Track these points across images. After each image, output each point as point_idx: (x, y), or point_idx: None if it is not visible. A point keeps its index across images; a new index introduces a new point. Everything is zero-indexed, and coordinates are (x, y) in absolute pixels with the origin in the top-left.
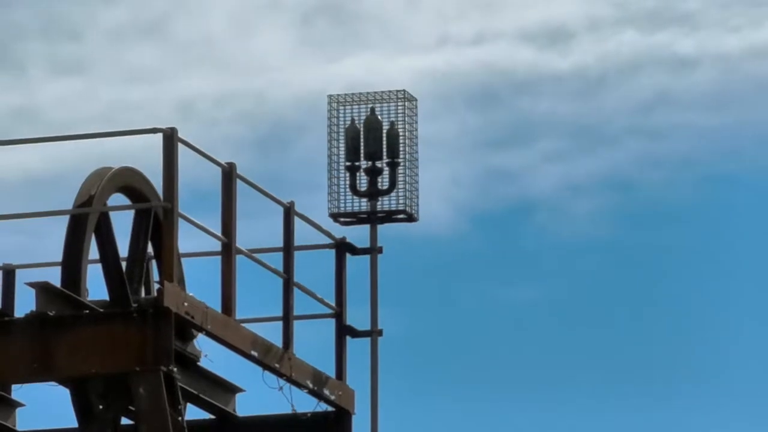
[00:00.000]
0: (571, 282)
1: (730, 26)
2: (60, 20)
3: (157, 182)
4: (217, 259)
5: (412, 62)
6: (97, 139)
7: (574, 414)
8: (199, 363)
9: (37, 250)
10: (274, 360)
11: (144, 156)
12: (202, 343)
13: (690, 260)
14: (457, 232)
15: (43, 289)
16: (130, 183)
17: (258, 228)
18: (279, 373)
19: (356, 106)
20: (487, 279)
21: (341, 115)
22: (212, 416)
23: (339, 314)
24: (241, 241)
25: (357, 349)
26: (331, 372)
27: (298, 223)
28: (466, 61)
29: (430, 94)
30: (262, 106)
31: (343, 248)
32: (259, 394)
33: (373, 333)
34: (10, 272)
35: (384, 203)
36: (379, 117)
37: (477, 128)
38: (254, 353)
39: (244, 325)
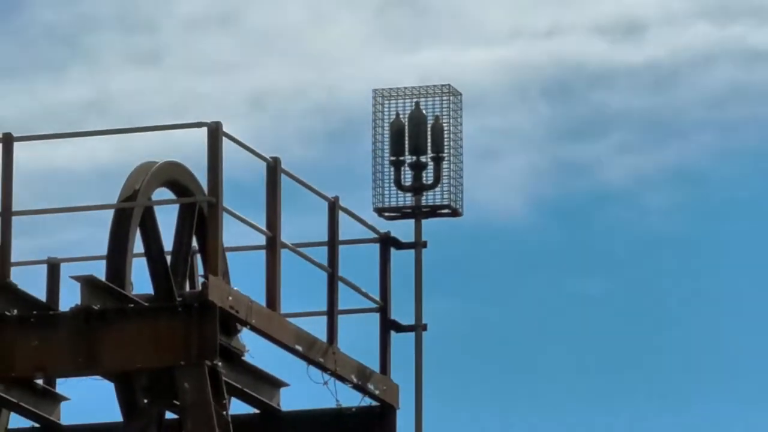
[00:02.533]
0: (642, 276)
1: None
2: (134, 11)
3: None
4: (262, 254)
5: (486, 55)
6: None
7: (641, 412)
8: (243, 357)
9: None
10: (319, 354)
11: (230, 147)
12: (246, 337)
13: (764, 255)
14: (529, 223)
15: (88, 282)
16: (174, 177)
17: (303, 222)
18: (323, 368)
19: (401, 101)
20: (556, 271)
21: (386, 109)
22: (257, 410)
23: (383, 309)
24: (286, 235)
25: (401, 343)
26: (375, 367)
27: (343, 218)
28: (540, 53)
29: (503, 86)
30: (334, 98)
31: (387, 242)
32: (303, 389)
33: (418, 327)
34: (54, 266)
35: (428, 198)
36: (424, 111)
37: (550, 120)
38: (298, 348)
39: (288, 319)
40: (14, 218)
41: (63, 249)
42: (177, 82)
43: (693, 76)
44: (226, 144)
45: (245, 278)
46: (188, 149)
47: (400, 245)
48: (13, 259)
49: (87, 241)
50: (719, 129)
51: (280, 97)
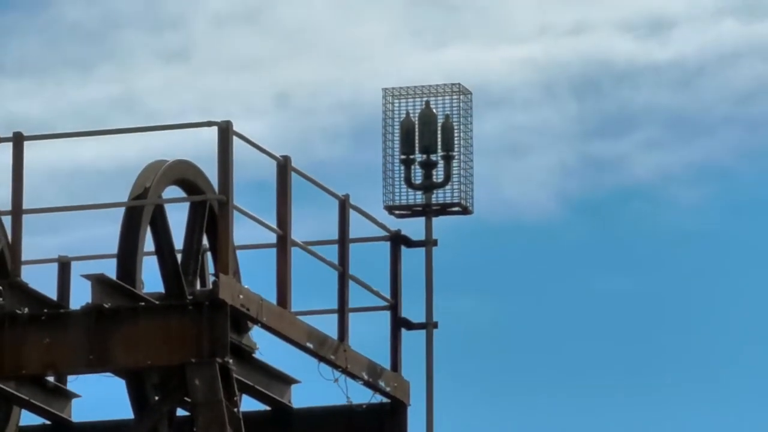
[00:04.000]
0: (667, 273)
1: None
2: (162, 8)
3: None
4: (273, 252)
5: (512, 52)
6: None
7: (666, 410)
8: (254, 355)
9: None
10: (330, 352)
11: (236, 144)
12: (257, 335)
13: None
14: (555, 220)
15: (98, 281)
16: (185, 175)
17: (314, 220)
18: (334, 365)
19: (411, 100)
20: (580, 267)
21: (396, 108)
22: (268, 408)
23: (394, 306)
24: (297, 233)
25: (412, 341)
26: (386, 364)
27: (353, 216)
28: (566, 50)
29: (528, 83)
30: (359, 95)
31: (398, 240)
32: (314, 386)
33: (428, 325)
34: (65, 264)
35: (439, 196)
36: (434, 110)
37: (575, 117)
38: (309, 345)
39: (299, 317)
40: (32, 217)
41: (80, 246)
42: (204, 79)
43: (719, 73)
44: (240, 142)
45: (256, 276)
46: (212, 148)
47: (410, 243)
48: (24, 258)
49: (106, 239)
50: (745, 126)
51: (306, 94)
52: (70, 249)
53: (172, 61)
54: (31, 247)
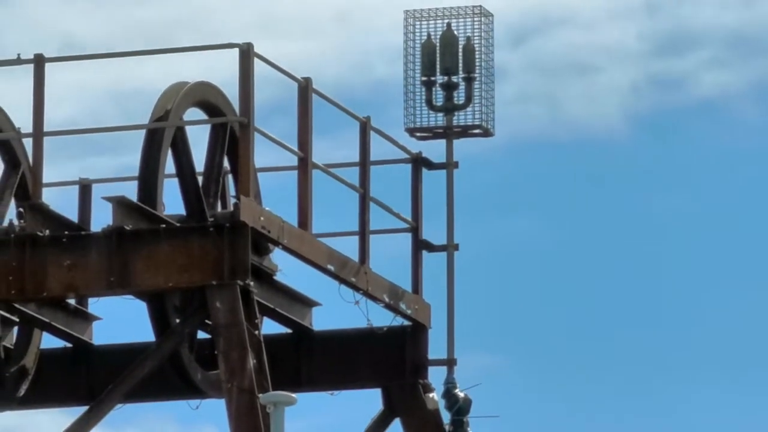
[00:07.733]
0: (728, 191)
1: None
2: None
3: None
4: (294, 174)
5: None
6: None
7: (719, 330)
8: (275, 277)
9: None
10: (351, 274)
11: (316, 64)
12: (278, 257)
13: None
14: (617, 139)
15: (119, 203)
16: (206, 98)
17: (336, 143)
18: (355, 287)
19: (432, 22)
20: (641, 187)
21: (417, 30)
22: (289, 330)
23: (415, 229)
24: (318, 156)
25: (433, 263)
26: (407, 287)
27: (375, 138)
28: None
29: (592, 2)
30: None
31: (419, 163)
32: (335, 308)
33: (449, 247)
34: (86, 186)
35: (460, 118)
36: (455, 32)
37: (637, 36)
38: (330, 267)
39: (320, 239)
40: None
41: (105, 169)
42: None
43: None
44: (263, 65)
45: (277, 199)
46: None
47: (431, 165)
48: (48, 180)
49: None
50: None
51: (365, 14)
52: (94, 172)
53: None
54: (54, 169)
